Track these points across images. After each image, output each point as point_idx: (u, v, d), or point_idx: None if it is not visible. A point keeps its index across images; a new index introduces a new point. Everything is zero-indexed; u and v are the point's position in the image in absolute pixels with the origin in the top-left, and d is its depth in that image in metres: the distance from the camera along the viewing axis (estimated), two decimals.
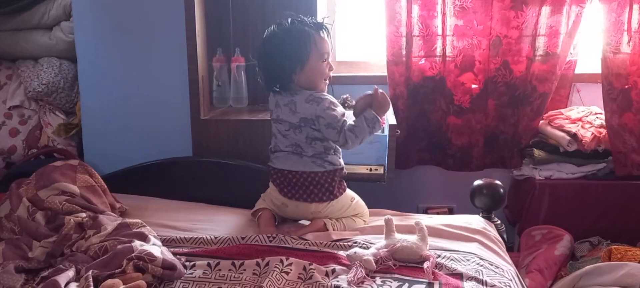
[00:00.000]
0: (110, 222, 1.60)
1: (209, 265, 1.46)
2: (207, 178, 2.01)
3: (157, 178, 2.04)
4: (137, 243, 1.44)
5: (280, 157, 1.70)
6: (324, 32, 1.67)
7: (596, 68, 2.42)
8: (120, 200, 1.87)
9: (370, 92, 1.65)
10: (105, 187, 1.84)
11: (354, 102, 1.76)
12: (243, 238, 1.60)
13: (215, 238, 1.63)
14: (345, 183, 1.74)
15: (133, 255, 1.37)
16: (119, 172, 2.06)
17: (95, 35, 2.14)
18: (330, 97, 1.68)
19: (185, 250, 1.57)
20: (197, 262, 1.48)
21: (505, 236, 1.84)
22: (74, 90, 2.32)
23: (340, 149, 1.72)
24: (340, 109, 1.67)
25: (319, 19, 1.71)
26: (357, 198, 1.78)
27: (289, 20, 1.66)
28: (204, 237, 1.63)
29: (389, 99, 1.67)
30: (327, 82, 1.72)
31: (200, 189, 1.99)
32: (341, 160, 1.72)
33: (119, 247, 1.43)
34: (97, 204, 1.74)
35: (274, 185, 1.74)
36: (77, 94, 2.30)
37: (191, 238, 1.63)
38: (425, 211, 2.60)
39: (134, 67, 2.14)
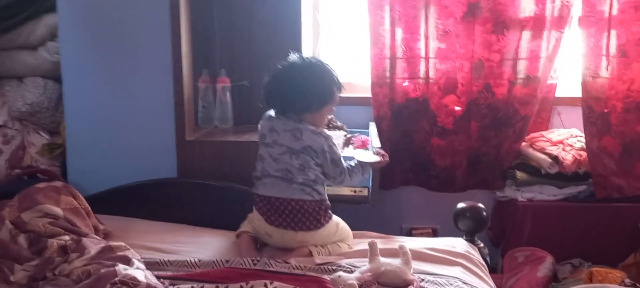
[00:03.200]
0: (93, 245, 1.58)
1: None
2: (192, 200, 2.01)
3: (141, 200, 2.03)
4: (120, 267, 1.43)
5: (268, 183, 1.70)
6: (339, 89, 1.77)
7: (576, 91, 2.47)
8: (104, 221, 1.85)
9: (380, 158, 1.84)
10: (89, 208, 1.83)
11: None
12: (227, 262, 1.60)
13: (199, 261, 1.62)
14: (330, 212, 1.75)
15: (116, 279, 1.36)
16: (103, 193, 2.05)
17: (80, 56, 2.14)
18: (330, 135, 1.76)
19: (168, 273, 1.56)
20: (181, 286, 1.47)
21: (488, 259, 1.85)
22: (58, 110, 2.31)
23: (325, 181, 1.74)
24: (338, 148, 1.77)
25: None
26: (342, 223, 1.79)
27: (322, 61, 1.76)
28: (188, 259, 1.63)
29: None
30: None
31: (185, 211, 1.98)
32: (326, 193, 1.74)
33: (102, 271, 1.42)
34: (81, 227, 1.72)
35: (259, 214, 1.72)
36: (61, 113, 2.29)
37: (175, 261, 1.63)
38: (410, 232, 2.62)
39: (119, 88, 2.14)
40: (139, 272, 1.43)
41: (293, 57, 1.74)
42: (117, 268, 1.42)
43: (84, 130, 2.17)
